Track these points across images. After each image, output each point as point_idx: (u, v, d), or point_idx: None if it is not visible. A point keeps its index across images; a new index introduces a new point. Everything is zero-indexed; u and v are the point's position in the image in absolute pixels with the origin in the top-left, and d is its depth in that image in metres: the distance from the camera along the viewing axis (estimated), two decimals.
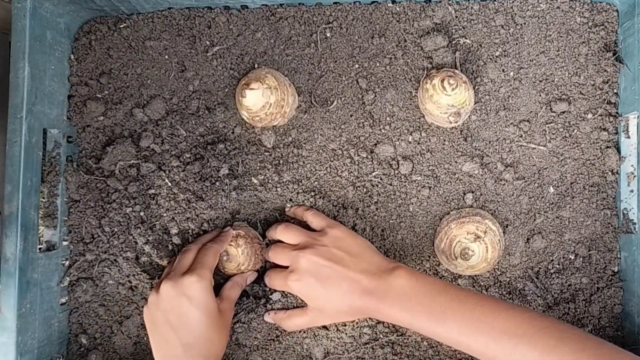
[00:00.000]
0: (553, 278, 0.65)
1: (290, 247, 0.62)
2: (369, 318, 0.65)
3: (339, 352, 0.66)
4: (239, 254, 0.63)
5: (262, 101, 0.62)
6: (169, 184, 0.65)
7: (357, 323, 0.65)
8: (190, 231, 0.66)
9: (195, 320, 0.57)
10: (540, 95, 0.66)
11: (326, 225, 0.63)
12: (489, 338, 0.51)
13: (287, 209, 0.67)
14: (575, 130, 0.66)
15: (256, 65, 0.68)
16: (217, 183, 0.65)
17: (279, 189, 0.67)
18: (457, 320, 0.53)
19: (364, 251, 0.60)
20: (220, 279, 0.65)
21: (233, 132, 0.68)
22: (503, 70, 0.67)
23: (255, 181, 0.67)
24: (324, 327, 0.65)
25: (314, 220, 0.64)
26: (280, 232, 0.64)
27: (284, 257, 0.62)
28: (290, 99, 0.65)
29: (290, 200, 0.67)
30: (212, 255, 0.61)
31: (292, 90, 0.66)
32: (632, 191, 0.64)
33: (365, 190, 0.66)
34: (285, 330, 0.65)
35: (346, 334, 0.65)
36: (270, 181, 0.67)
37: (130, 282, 0.67)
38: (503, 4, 0.67)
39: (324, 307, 0.59)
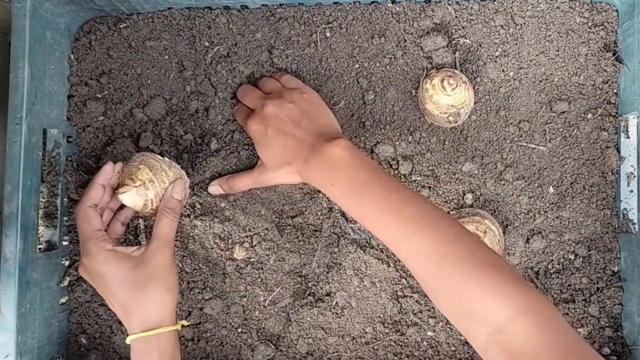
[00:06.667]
0: (553, 278, 0.65)
1: (259, 92, 0.65)
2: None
3: (340, 352, 0.66)
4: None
5: (140, 200, 0.59)
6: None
7: (357, 322, 0.65)
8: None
9: None
10: (540, 95, 0.66)
11: (301, 87, 0.65)
12: (394, 220, 0.52)
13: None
14: (575, 130, 0.66)
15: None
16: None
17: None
18: (372, 198, 0.53)
19: (323, 117, 0.62)
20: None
21: (232, 135, 0.68)
22: (503, 70, 0.67)
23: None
24: (322, 327, 0.66)
25: (290, 82, 0.65)
26: (262, 83, 0.66)
27: (250, 100, 0.65)
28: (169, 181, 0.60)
29: None
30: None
31: (176, 171, 0.61)
32: (631, 191, 0.64)
33: None
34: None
35: (346, 333, 0.65)
36: None
37: None
38: (503, 4, 0.67)
39: (268, 159, 0.62)
